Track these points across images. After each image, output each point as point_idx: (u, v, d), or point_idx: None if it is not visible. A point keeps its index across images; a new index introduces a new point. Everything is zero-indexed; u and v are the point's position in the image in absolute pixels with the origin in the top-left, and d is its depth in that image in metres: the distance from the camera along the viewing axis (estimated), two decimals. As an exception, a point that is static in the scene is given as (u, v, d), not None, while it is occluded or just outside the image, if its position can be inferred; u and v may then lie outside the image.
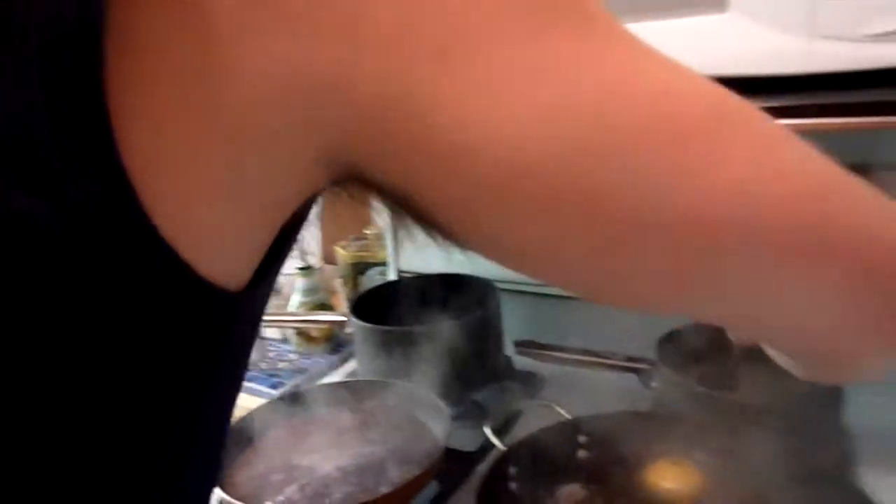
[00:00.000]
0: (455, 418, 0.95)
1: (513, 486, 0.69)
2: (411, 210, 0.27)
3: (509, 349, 1.05)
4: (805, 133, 0.27)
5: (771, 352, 0.39)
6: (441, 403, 0.84)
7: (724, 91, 0.25)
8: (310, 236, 1.56)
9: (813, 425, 0.70)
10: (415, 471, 0.73)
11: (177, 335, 0.24)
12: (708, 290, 0.27)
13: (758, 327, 0.32)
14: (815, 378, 0.39)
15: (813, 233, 0.25)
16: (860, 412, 0.79)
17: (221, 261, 0.24)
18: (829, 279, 0.26)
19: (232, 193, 0.23)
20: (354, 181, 0.26)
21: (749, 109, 0.26)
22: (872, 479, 0.69)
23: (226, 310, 0.26)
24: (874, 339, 0.30)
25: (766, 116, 0.26)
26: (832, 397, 0.75)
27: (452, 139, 0.23)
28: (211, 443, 0.32)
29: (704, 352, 0.79)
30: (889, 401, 0.83)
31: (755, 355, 0.74)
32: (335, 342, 1.30)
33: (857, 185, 0.27)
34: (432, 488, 0.80)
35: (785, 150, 0.26)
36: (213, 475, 0.34)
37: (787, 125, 0.27)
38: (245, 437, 0.85)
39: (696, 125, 0.24)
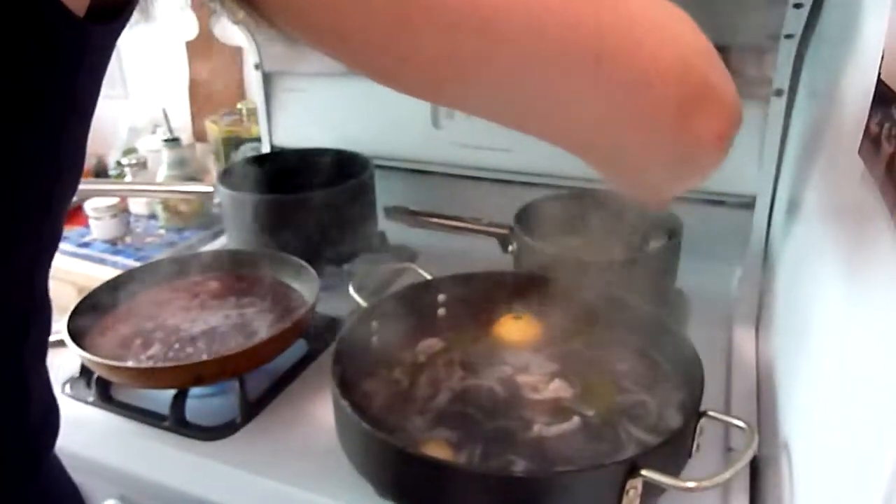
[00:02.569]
0: (328, 287, 0.98)
1: (374, 339, 0.72)
2: None
3: (383, 224, 1.08)
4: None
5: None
6: (308, 267, 0.86)
7: None
8: (179, 111, 1.48)
9: (649, 284, 0.77)
10: (282, 327, 0.75)
11: (27, 55, 0.25)
12: (484, 78, 0.30)
13: (557, 134, 0.35)
14: (624, 189, 0.43)
15: (595, 38, 0.28)
16: (689, 277, 0.89)
17: None
18: (607, 84, 0.30)
19: None
20: None
21: None
22: (696, 330, 0.79)
23: (72, 34, 0.27)
24: (663, 148, 0.34)
25: None
26: (668, 263, 0.83)
27: None
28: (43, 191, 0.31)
29: (555, 221, 0.85)
30: (712, 268, 0.94)
31: (599, 224, 0.81)
32: (205, 218, 1.27)
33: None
34: (302, 347, 0.83)
35: None
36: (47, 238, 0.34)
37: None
38: (109, 302, 0.83)
39: None
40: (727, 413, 0.60)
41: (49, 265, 0.35)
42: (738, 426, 0.55)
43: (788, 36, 0.79)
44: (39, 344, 0.36)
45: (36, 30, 0.25)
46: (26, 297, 0.34)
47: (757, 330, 0.83)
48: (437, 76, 0.30)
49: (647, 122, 0.32)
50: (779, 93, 0.84)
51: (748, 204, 0.92)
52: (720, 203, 0.95)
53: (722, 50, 0.33)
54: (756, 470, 0.62)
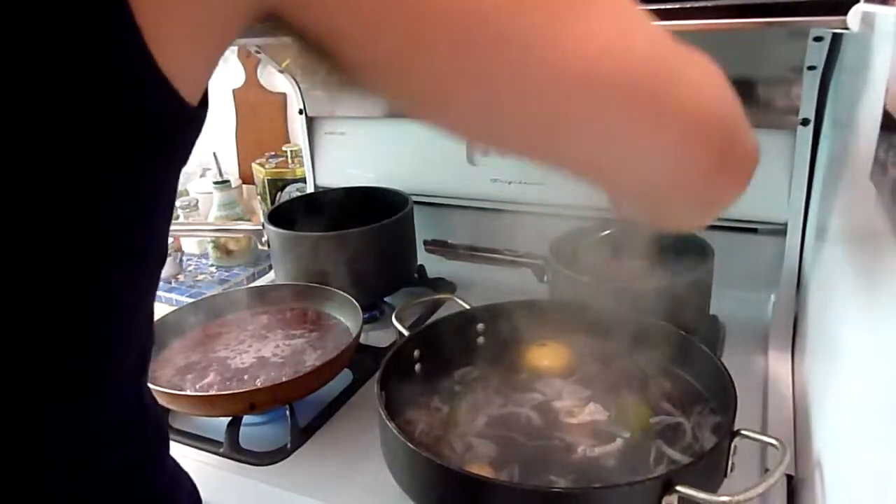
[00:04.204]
0: (371, 320, 1.02)
1: (417, 367, 0.76)
2: (321, 49, 0.31)
3: (423, 258, 1.12)
4: (687, 34, 0.35)
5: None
6: (352, 300, 0.90)
7: None
8: (227, 155, 1.56)
9: (684, 313, 0.79)
10: (328, 358, 0.78)
11: (141, 137, 0.28)
12: (560, 136, 0.33)
13: (600, 175, 0.38)
14: (653, 223, 0.48)
15: (651, 98, 0.32)
16: (724, 304, 0.91)
17: (183, 75, 0.28)
18: (660, 137, 0.34)
19: (196, 16, 0.28)
20: (276, 22, 0.30)
21: None
22: (732, 355, 0.80)
23: (184, 119, 0.30)
24: (693, 190, 0.38)
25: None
26: (702, 289, 0.85)
27: None
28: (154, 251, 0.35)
29: (589, 251, 0.87)
30: (747, 295, 0.95)
31: (631, 253, 0.83)
32: (254, 256, 1.33)
33: (697, 63, 0.34)
34: (347, 377, 0.87)
35: (642, 28, 0.32)
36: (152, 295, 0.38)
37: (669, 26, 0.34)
38: (166, 337, 0.88)
39: None
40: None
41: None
42: (770, 444, 0.56)
43: (811, 67, 0.81)
44: (146, 368, 0.41)
45: (164, 125, 0.29)
46: (147, 332, 0.39)
47: (793, 354, 0.84)
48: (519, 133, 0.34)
49: (687, 170, 0.36)
50: (805, 122, 0.86)
51: (780, 231, 0.94)
52: (752, 231, 0.97)
53: (750, 83, 0.37)
54: (794, 492, 0.63)
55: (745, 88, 0.87)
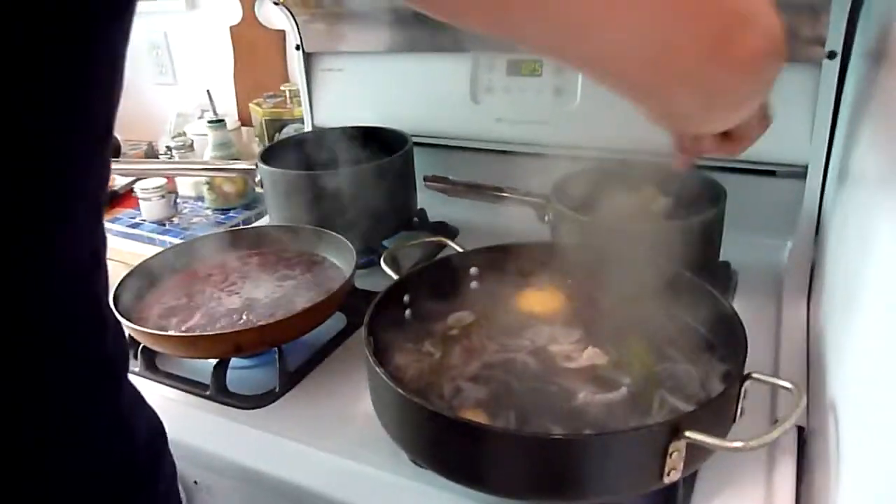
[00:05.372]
0: (370, 264, 0.98)
1: (407, 313, 0.72)
2: None
3: (424, 202, 1.07)
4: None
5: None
6: (346, 241, 0.86)
7: None
8: (225, 96, 1.50)
9: (692, 257, 0.74)
10: (319, 299, 0.75)
11: None
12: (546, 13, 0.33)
13: (595, 57, 0.37)
14: (664, 124, 0.45)
15: None
16: (738, 250, 0.86)
17: None
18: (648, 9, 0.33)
19: None
20: None
21: None
22: (744, 303, 0.76)
23: None
24: (686, 73, 0.37)
25: None
26: (711, 232, 0.80)
27: None
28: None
29: (592, 192, 0.83)
30: (762, 241, 0.90)
31: (637, 195, 0.78)
32: (250, 198, 1.29)
33: None
34: (341, 321, 0.84)
35: None
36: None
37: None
38: (153, 278, 0.85)
39: None
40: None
41: (104, 203, 0.38)
42: (784, 387, 0.52)
43: (841, -7, 0.75)
44: (106, 277, 0.39)
45: None
46: (97, 231, 0.36)
47: (808, 303, 0.80)
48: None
49: (677, 50, 0.35)
50: (832, 55, 0.80)
51: (800, 174, 0.88)
52: (770, 173, 0.91)
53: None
54: (804, 443, 0.60)
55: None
